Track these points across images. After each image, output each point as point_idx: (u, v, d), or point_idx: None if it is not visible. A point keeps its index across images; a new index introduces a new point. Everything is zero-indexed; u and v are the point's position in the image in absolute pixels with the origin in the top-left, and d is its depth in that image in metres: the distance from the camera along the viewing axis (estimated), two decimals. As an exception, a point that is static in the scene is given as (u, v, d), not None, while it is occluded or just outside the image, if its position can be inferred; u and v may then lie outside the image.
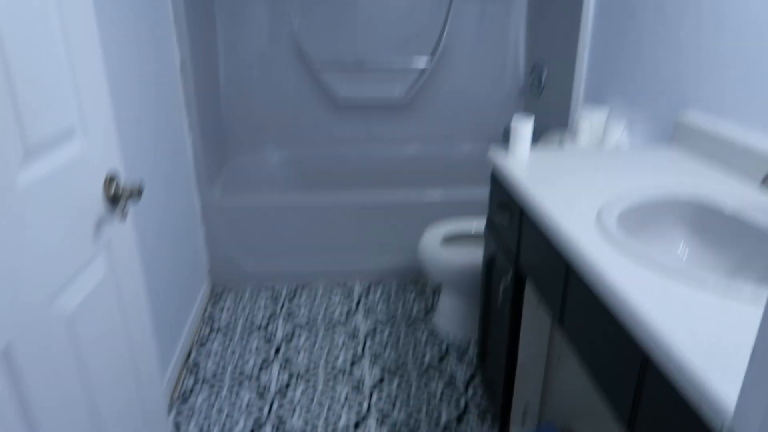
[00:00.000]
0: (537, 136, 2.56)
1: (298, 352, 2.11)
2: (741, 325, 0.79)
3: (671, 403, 0.75)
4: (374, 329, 2.25)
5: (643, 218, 1.19)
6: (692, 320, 0.79)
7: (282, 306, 2.40)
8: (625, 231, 1.13)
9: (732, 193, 1.23)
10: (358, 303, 2.42)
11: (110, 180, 0.95)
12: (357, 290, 2.52)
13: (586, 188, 1.27)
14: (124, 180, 1.04)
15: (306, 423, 1.78)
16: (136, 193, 0.96)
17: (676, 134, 1.56)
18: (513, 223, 1.42)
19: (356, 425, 1.77)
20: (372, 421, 1.79)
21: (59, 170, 0.83)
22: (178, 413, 1.82)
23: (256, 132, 2.93)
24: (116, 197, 0.97)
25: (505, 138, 1.79)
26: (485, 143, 3.07)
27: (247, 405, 1.85)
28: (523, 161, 1.46)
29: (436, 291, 2.52)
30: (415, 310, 2.37)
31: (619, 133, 1.80)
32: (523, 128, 1.47)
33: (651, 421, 0.81)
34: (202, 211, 2.38)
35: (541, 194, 1.24)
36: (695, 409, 0.70)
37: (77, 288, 0.90)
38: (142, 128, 1.70)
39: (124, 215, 0.95)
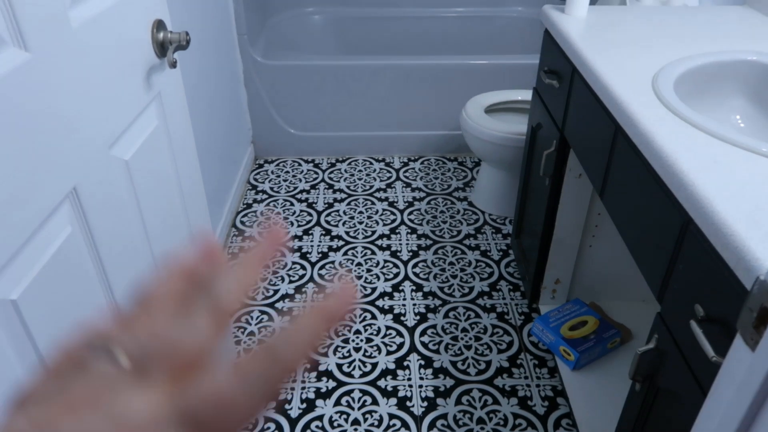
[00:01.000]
0: None
1: (339, 220, 2.18)
2: (792, 189, 0.77)
3: (706, 268, 0.76)
4: (412, 201, 2.29)
5: (703, 83, 1.14)
6: (740, 186, 0.78)
7: (323, 176, 2.45)
8: (682, 96, 1.08)
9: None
10: (396, 176, 2.45)
11: (158, 25, 0.95)
12: (396, 164, 2.54)
13: (645, 49, 1.21)
14: (171, 28, 1.03)
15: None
16: (184, 41, 0.96)
17: None
18: (563, 88, 1.38)
19: (392, 291, 1.87)
20: (407, 288, 1.88)
21: (108, 11, 0.83)
22: (227, 268, 1.94)
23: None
24: (164, 44, 0.97)
25: None
26: (538, 6, 2.90)
27: (291, 267, 1.96)
28: (580, 20, 1.39)
29: (476, 167, 2.52)
30: (453, 185, 2.39)
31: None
32: (582, -12, 1.38)
33: (682, 289, 0.83)
34: (245, 73, 2.37)
35: (596, 55, 1.19)
36: (730, 273, 0.71)
37: (133, 135, 0.93)
38: (183, -15, 1.65)
39: (172, 63, 0.96)
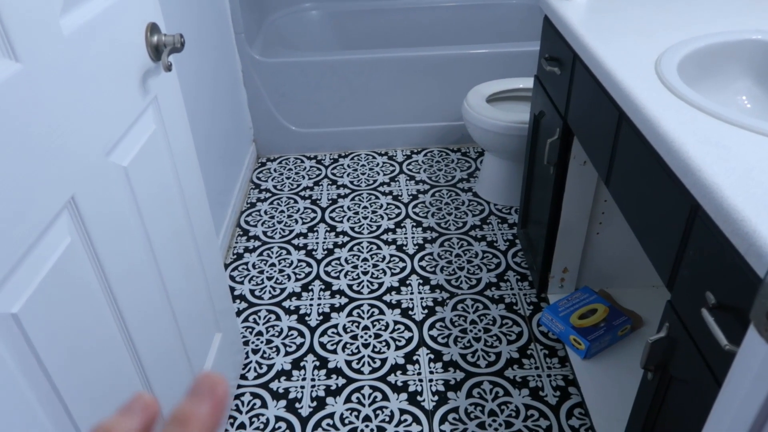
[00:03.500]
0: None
1: (344, 215, 2.17)
2: (802, 171, 0.76)
3: (716, 255, 0.75)
4: (416, 193, 2.28)
5: (707, 65, 1.11)
6: (748, 169, 0.76)
7: (326, 172, 2.44)
8: (686, 79, 1.07)
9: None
10: (400, 169, 2.44)
11: (151, 29, 0.94)
12: (399, 158, 2.52)
13: (647, 33, 1.19)
14: (165, 31, 1.02)
15: (352, 281, 1.88)
16: (179, 43, 0.95)
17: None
18: (564, 74, 1.36)
19: (399, 285, 1.86)
20: (414, 282, 1.87)
21: (100, 17, 0.82)
22: (234, 270, 1.94)
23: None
24: (158, 47, 0.96)
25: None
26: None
27: (297, 264, 1.95)
28: (580, 5, 1.37)
29: (479, 157, 2.50)
30: (457, 176, 2.38)
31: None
32: (580, -27, 1.36)
33: (692, 276, 0.81)
34: (244, 72, 2.36)
35: (597, 40, 1.17)
36: (741, 260, 0.70)
37: (131, 141, 0.93)
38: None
39: (167, 67, 0.95)
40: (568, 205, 1.54)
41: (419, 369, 1.57)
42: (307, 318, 1.75)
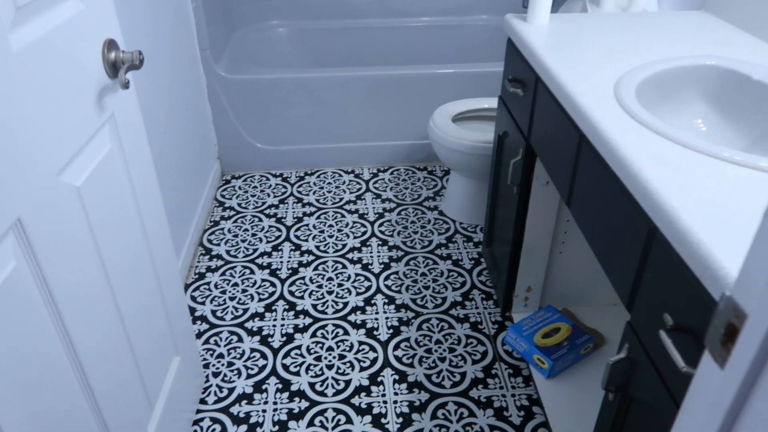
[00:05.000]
0: (559, 3, 2.43)
1: (309, 234, 2.15)
2: (754, 198, 0.77)
3: (673, 277, 0.76)
4: (382, 212, 2.27)
5: (664, 89, 1.14)
6: (704, 193, 0.78)
7: (291, 190, 2.42)
8: (644, 102, 1.09)
9: (763, 59, 1.17)
10: (366, 187, 2.43)
11: (109, 45, 0.92)
12: (366, 176, 2.52)
13: (607, 56, 1.21)
14: (124, 48, 1.00)
15: (317, 300, 1.85)
16: (137, 60, 0.93)
17: None
18: (527, 96, 1.38)
19: (364, 305, 1.84)
20: (379, 301, 1.86)
21: (54, 33, 0.80)
22: (195, 290, 1.90)
23: (262, 1, 2.79)
24: (116, 64, 0.93)
25: (524, 5, 1.70)
26: (502, 14, 2.92)
27: (260, 284, 1.92)
28: (542, 28, 1.39)
29: (445, 175, 2.51)
30: (423, 194, 2.38)
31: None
32: (542, -3, 1.38)
33: (650, 298, 0.82)
34: (209, 88, 2.33)
35: (559, 63, 1.19)
36: (697, 283, 0.71)
37: (84, 161, 0.90)
38: None
39: (125, 84, 0.92)
40: (531, 225, 1.56)
41: (384, 390, 1.55)
42: (270, 339, 1.71)
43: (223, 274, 1.96)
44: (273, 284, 1.92)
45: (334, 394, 1.54)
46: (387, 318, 1.79)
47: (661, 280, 0.79)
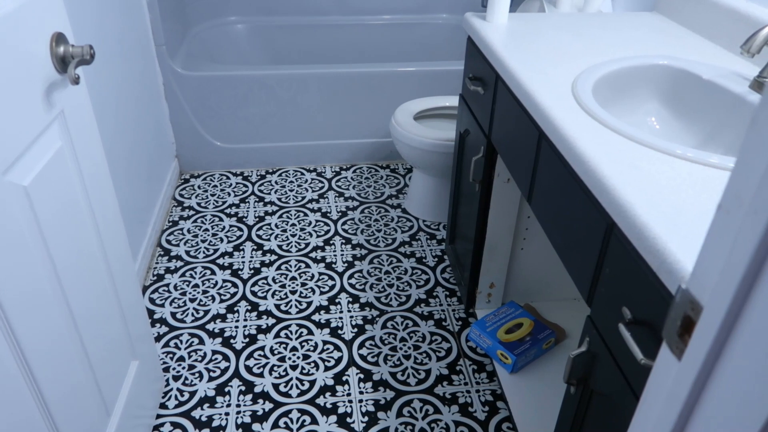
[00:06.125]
0: (517, 3, 2.46)
1: (271, 233, 2.12)
2: (707, 193, 0.79)
3: (631, 271, 0.77)
4: (345, 210, 2.26)
5: (619, 87, 1.17)
6: (659, 188, 0.80)
7: (252, 188, 2.38)
8: (600, 101, 1.11)
9: (712, 59, 1.21)
10: (329, 185, 2.42)
11: (57, 39, 0.88)
12: (328, 174, 2.50)
13: (564, 56, 1.23)
14: (74, 42, 0.96)
15: (280, 300, 1.83)
16: (88, 55, 0.89)
17: (659, 0, 1.51)
18: (488, 94, 1.39)
19: (328, 304, 1.83)
20: (344, 300, 1.85)
21: (-4, 26, 0.76)
22: (154, 292, 1.85)
23: None
24: (65, 59, 0.90)
25: (483, 5, 1.73)
26: (462, 13, 2.94)
27: (221, 285, 1.89)
28: (501, 27, 1.40)
29: (408, 173, 2.51)
30: (386, 193, 2.38)
31: (601, 1, 1.73)
32: (501, -4, 1.40)
33: (609, 292, 0.83)
34: (165, 85, 2.28)
35: (518, 62, 1.20)
36: (654, 276, 0.72)
37: (32, 159, 0.86)
38: (91, -6, 1.56)
39: (74, 80, 0.89)
40: (493, 222, 1.57)
41: (349, 390, 1.54)
42: (232, 341, 1.68)
43: (182, 275, 1.92)
44: (235, 285, 1.89)
45: (299, 395, 1.52)
46: (351, 317, 1.78)
47: (619, 274, 0.81)
